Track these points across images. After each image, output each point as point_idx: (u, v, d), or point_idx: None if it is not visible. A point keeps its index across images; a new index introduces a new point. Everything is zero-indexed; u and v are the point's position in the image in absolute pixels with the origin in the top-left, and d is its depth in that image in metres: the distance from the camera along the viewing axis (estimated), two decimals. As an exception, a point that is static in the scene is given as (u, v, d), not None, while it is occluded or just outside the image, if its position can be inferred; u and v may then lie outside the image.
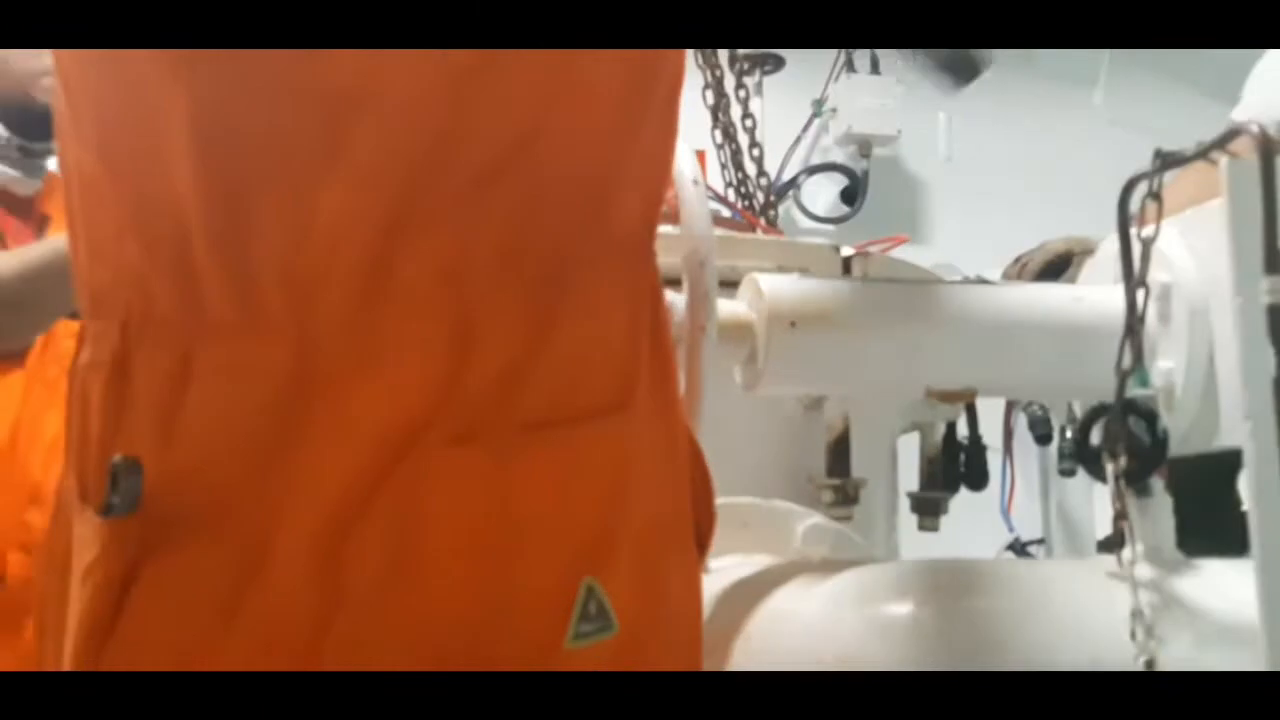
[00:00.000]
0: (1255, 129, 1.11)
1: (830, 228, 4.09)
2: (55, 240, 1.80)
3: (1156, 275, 1.25)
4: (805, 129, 4.11)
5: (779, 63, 3.90)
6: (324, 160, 0.84)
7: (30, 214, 2.06)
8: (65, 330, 1.85)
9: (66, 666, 0.85)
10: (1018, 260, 1.86)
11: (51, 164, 2.12)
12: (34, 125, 2.01)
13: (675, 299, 1.19)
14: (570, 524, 0.86)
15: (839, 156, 4.17)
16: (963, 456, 1.61)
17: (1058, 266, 1.78)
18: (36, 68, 1.99)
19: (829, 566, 1.30)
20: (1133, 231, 1.25)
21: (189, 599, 0.83)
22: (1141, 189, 1.25)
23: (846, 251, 1.59)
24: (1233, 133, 1.15)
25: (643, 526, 0.90)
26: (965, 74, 1.39)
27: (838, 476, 1.45)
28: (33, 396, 1.97)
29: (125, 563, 0.83)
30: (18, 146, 2.01)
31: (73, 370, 0.96)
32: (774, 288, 1.28)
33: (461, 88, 0.85)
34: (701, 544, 0.99)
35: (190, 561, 0.83)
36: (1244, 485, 1.11)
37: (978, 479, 1.63)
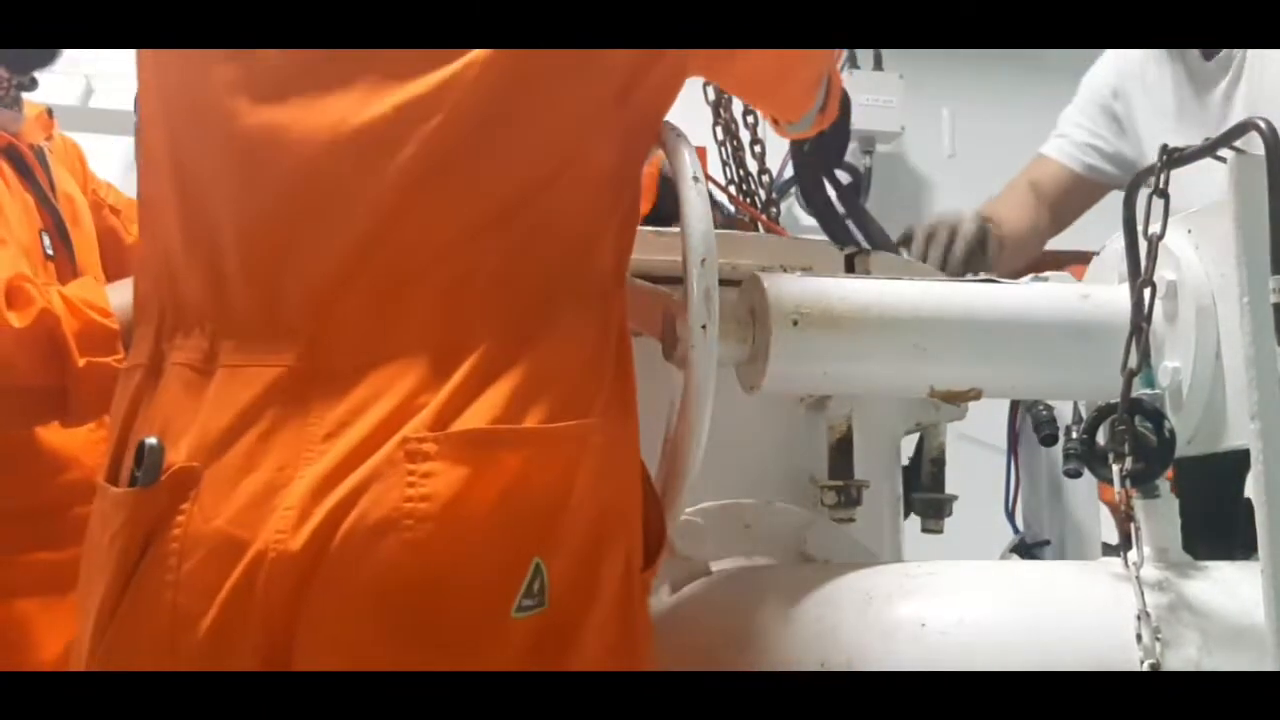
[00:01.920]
0: (1263, 125, 1.10)
1: (833, 225, 4.07)
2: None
3: (1163, 273, 1.24)
4: (808, 126, 4.09)
5: (781, 59, 3.88)
6: (343, 214, 1.04)
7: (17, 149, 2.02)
8: None
9: (94, 607, 1.05)
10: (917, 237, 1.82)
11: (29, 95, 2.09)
12: (22, 56, 1.97)
13: (677, 298, 1.18)
14: (527, 509, 1.01)
15: (841, 153, 4.15)
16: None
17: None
18: None
19: (831, 569, 1.29)
20: (1139, 229, 1.24)
21: (185, 551, 1.02)
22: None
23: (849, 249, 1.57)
24: (1240, 128, 1.14)
25: (589, 521, 1.04)
26: None
27: (840, 478, 1.44)
28: None
29: (146, 527, 1.03)
30: (16, 84, 1.97)
31: (124, 370, 1.15)
32: (776, 286, 1.27)
33: (469, 150, 1.03)
34: (651, 553, 1.13)
35: (191, 524, 1.02)
36: (1251, 486, 1.10)
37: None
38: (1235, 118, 1.98)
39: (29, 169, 1.95)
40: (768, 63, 1.24)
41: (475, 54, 1.04)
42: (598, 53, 1.07)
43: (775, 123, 1.40)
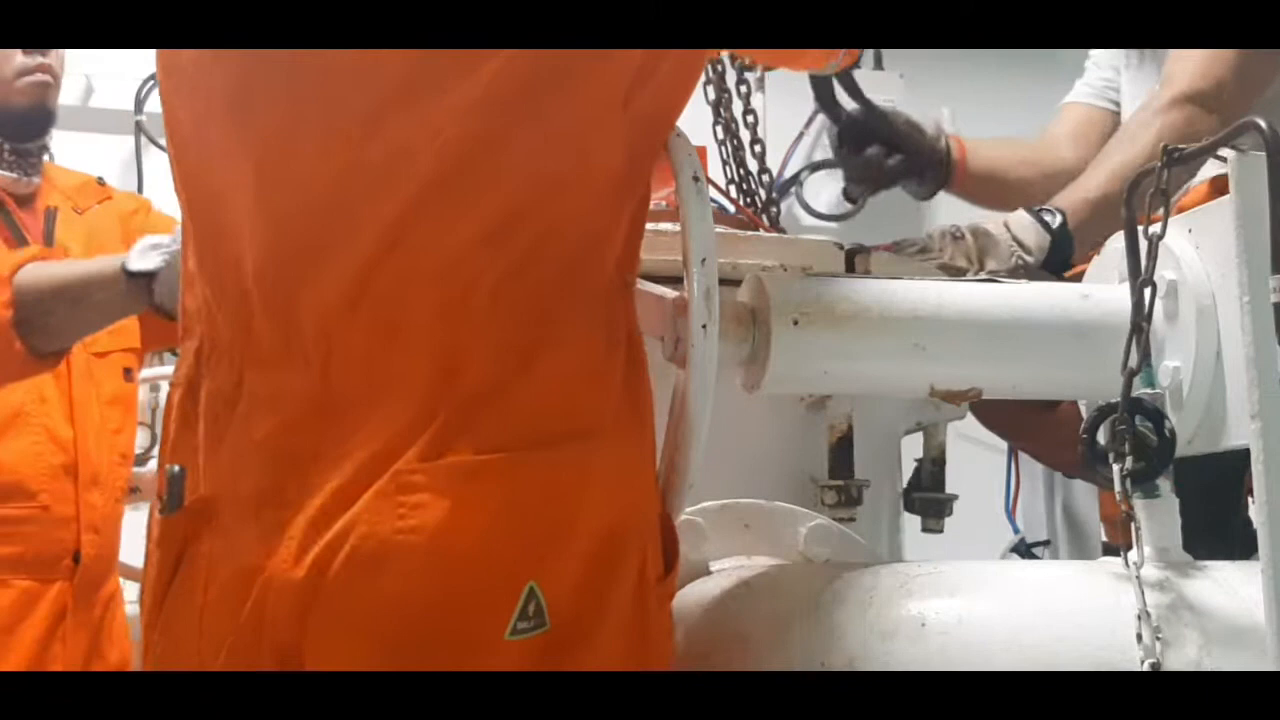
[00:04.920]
0: (1263, 125, 1.10)
1: (833, 225, 4.06)
2: (83, 264, 1.85)
3: (1164, 273, 1.24)
4: (808, 125, 4.07)
5: (781, 58, 3.87)
6: (349, 240, 1.04)
7: (34, 208, 2.08)
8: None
9: (144, 616, 1.12)
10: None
11: (47, 159, 2.15)
12: (17, 126, 2.03)
13: (677, 298, 1.18)
14: (519, 536, 1.01)
15: (842, 153, 4.14)
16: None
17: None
18: (8, 72, 2.00)
19: (831, 569, 1.29)
20: (1139, 228, 1.24)
21: (210, 576, 1.06)
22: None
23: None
24: (1240, 128, 1.14)
25: (595, 540, 1.04)
26: None
27: (840, 477, 1.44)
28: (79, 387, 2.05)
29: (175, 550, 1.09)
30: (10, 150, 2.02)
31: (171, 385, 1.18)
32: (776, 286, 1.27)
33: (466, 162, 1.03)
34: (670, 558, 1.13)
35: (215, 552, 1.07)
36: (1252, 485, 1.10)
37: None
38: None
39: (10, 218, 1.99)
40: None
41: (477, 73, 1.03)
42: (599, 56, 1.06)
43: None
